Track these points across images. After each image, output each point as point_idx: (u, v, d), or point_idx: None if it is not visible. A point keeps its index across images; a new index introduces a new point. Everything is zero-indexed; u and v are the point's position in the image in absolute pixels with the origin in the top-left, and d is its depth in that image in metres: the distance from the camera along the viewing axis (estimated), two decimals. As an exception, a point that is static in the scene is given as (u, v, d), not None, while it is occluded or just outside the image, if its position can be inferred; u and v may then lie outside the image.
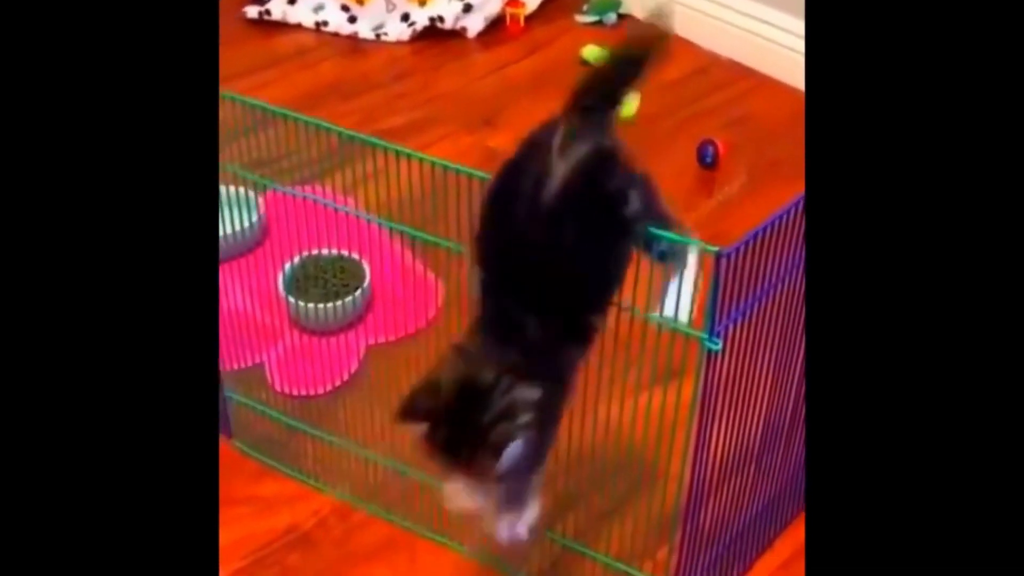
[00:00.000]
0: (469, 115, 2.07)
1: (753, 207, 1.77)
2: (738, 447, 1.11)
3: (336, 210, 1.18)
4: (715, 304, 0.94)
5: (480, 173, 1.03)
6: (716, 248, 0.92)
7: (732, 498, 1.16)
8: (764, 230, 0.95)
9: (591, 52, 2.15)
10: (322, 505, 1.33)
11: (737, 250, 0.93)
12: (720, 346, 0.95)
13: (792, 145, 1.96)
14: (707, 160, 1.90)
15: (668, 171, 1.91)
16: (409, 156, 1.08)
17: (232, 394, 1.38)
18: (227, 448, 1.39)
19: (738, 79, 2.18)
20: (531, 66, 2.25)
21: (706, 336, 0.95)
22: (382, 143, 1.09)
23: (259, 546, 1.27)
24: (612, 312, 1.02)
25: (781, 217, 0.98)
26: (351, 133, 1.11)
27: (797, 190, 1.01)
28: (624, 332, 1.01)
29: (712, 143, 1.90)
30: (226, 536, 1.28)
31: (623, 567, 1.20)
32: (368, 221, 1.18)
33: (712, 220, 1.79)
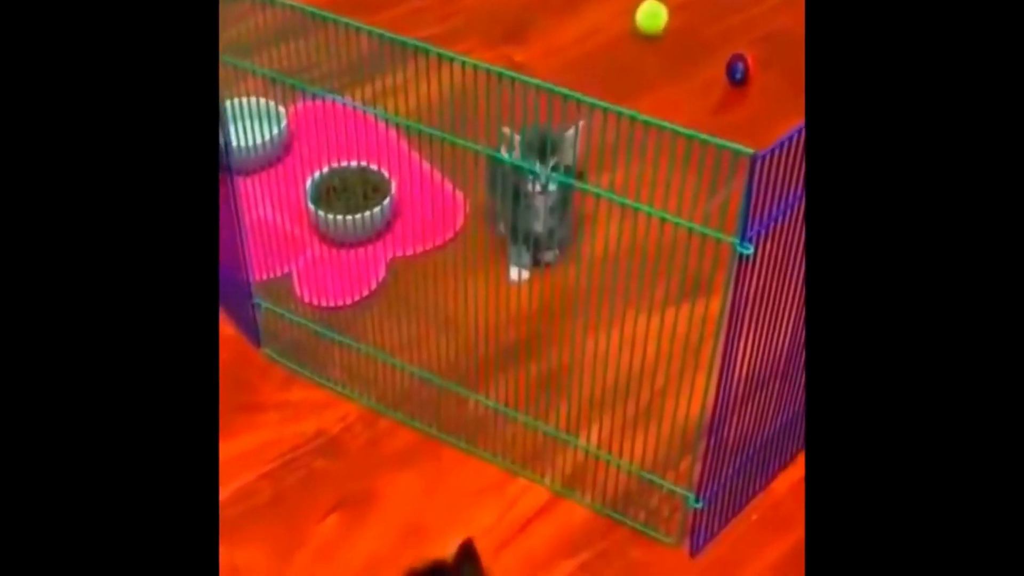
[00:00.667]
0: (493, 29, 2.04)
1: (786, 122, 1.74)
2: (765, 361, 1.11)
3: (364, 113, 1.17)
4: (748, 208, 0.93)
5: (511, 74, 1.02)
6: (751, 150, 0.90)
7: (756, 412, 1.17)
8: (798, 133, 0.94)
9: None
10: (349, 412, 1.34)
11: (771, 152, 0.91)
12: (752, 251, 0.94)
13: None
14: (737, 76, 1.86)
15: (697, 87, 1.89)
16: (440, 56, 1.06)
17: (261, 301, 1.39)
18: (256, 355, 1.41)
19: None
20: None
21: (738, 241, 0.94)
22: (420, 44, 1.07)
23: (287, 450, 1.30)
24: (640, 222, 1.01)
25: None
26: (386, 34, 1.09)
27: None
28: (653, 243, 1.01)
29: (742, 58, 1.86)
30: (254, 440, 1.31)
31: (646, 475, 1.21)
32: (396, 126, 1.17)
33: (745, 129, 1.76)
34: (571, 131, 1.29)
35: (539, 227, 1.45)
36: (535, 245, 1.46)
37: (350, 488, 1.26)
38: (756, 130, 1.77)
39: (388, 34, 1.09)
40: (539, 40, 2.01)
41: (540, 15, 2.07)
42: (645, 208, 1.01)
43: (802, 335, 1.16)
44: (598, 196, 1.06)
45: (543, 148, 1.25)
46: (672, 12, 2.02)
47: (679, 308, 1.09)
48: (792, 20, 2.06)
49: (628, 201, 1.02)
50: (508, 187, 1.40)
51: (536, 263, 1.49)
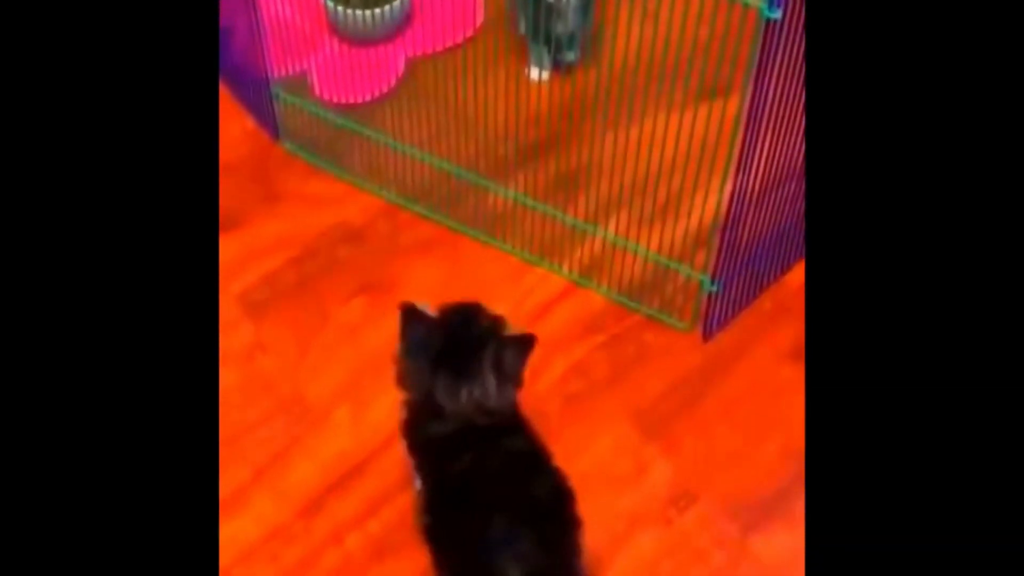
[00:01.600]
0: None
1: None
2: (784, 157, 1.11)
3: None
4: (776, -30, 0.91)
5: None
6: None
7: (773, 205, 1.17)
8: None
9: None
10: (369, 204, 1.36)
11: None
12: (779, 15, 0.93)
13: None
14: None
15: None
16: None
17: (279, 92, 1.38)
18: (276, 149, 1.42)
19: None
20: None
21: (765, 5, 0.93)
22: None
23: (309, 239, 1.32)
24: (662, 20, 0.99)
25: None
26: None
27: None
28: (674, 43, 0.99)
29: None
30: (277, 228, 1.33)
31: (663, 261, 1.23)
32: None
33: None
34: None
35: (561, 28, 1.42)
36: (556, 46, 1.44)
37: (372, 274, 1.29)
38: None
39: None
40: None
41: None
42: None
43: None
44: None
45: None
46: None
47: (697, 109, 1.09)
48: None
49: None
50: None
51: (557, 64, 1.47)
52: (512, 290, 1.28)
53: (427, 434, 0.97)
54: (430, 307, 1.00)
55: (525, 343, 0.97)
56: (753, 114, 1.01)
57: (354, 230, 1.33)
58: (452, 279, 1.29)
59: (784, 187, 1.17)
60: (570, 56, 1.48)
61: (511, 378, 0.97)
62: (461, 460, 0.95)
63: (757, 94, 0.99)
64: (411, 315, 0.98)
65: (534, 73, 1.47)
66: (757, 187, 1.11)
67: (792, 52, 1.00)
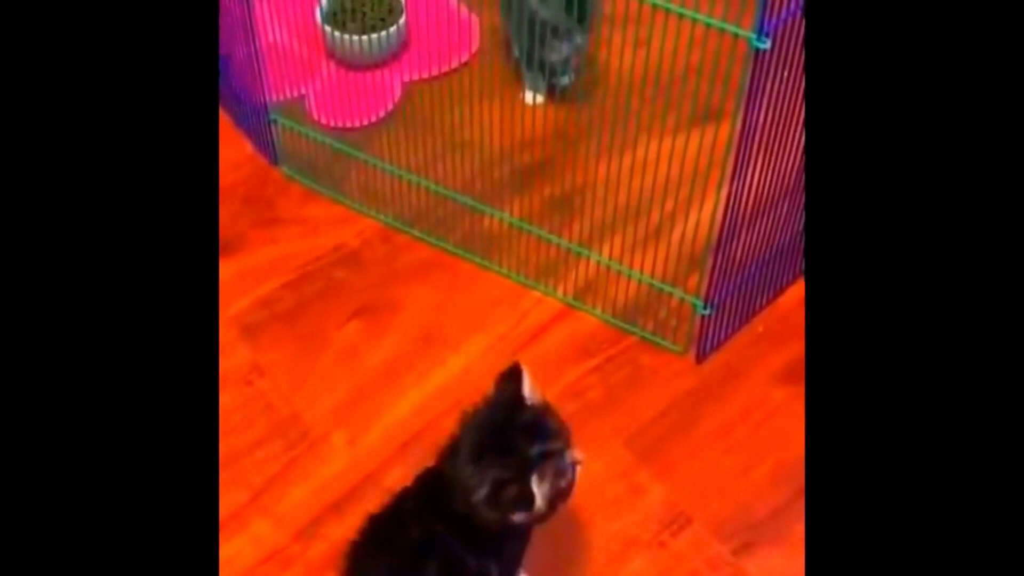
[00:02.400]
0: None
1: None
2: (776, 178, 1.13)
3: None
4: (765, 1, 0.92)
5: None
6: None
7: (766, 227, 1.19)
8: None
9: None
10: (366, 227, 1.37)
11: (793, -57, 0.90)
12: (768, 46, 0.95)
13: None
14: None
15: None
16: None
17: (278, 117, 1.40)
18: (274, 173, 1.43)
19: None
20: None
21: (754, 36, 0.94)
22: None
23: (306, 262, 1.33)
24: (654, 48, 1.01)
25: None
26: None
27: None
28: (666, 70, 1.01)
29: None
30: (274, 252, 1.34)
31: (657, 284, 1.24)
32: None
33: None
34: None
35: (555, 55, 1.44)
36: (550, 71, 1.46)
37: (369, 297, 1.30)
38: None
39: None
40: None
41: None
42: (663, 4, 1.01)
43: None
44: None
45: None
46: None
47: (689, 134, 1.11)
48: None
49: None
50: (524, 14, 1.38)
51: (551, 88, 1.49)
52: (508, 313, 1.29)
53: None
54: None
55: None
56: (744, 139, 1.02)
57: (351, 253, 1.35)
58: (449, 302, 1.30)
59: (776, 210, 1.19)
60: (564, 80, 1.50)
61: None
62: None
63: (748, 120, 1.01)
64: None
65: (528, 97, 1.49)
66: (748, 210, 1.12)
67: (782, 78, 1.02)
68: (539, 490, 0.86)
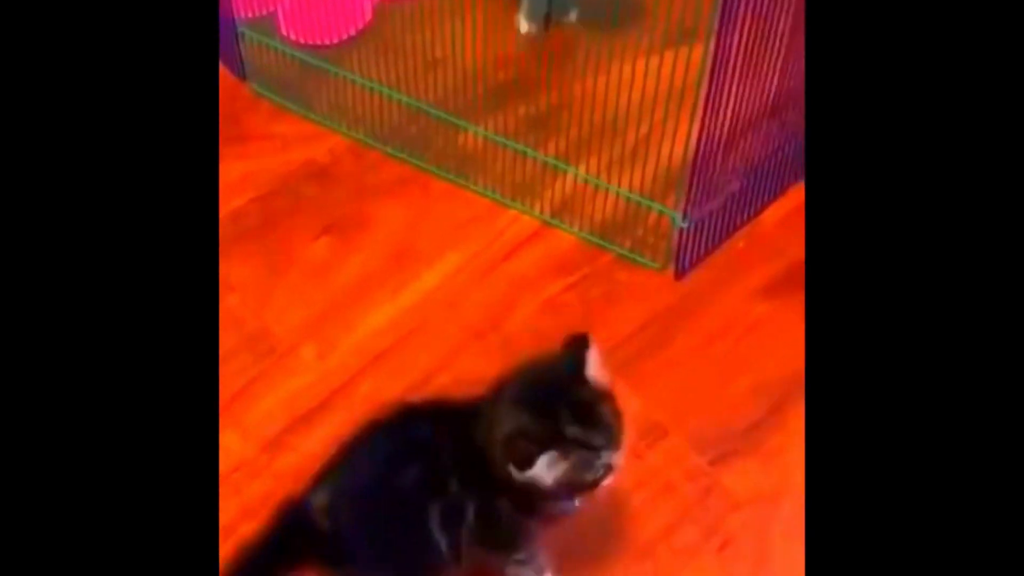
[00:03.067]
0: None
1: None
2: (754, 99, 1.10)
3: None
4: None
5: None
6: None
7: (745, 146, 1.16)
8: None
9: None
10: (337, 144, 1.34)
11: None
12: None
13: None
14: None
15: None
16: None
17: (246, 31, 1.35)
18: (242, 89, 1.39)
19: None
20: None
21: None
22: None
23: (275, 177, 1.29)
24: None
25: None
26: None
27: None
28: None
29: None
30: (243, 168, 1.30)
31: (635, 198, 1.22)
32: None
33: None
34: None
35: None
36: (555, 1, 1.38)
37: (340, 213, 1.27)
38: None
39: None
40: None
41: None
42: None
43: (795, 76, 1.14)
44: None
45: None
46: None
47: (663, 55, 1.07)
48: None
49: None
50: None
51: (548, 20, 1.43)
52: (483, 231, 1.26)
53: None
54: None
55: None
56: (718, 59, 0.99)
57: (321, 169, 1.31)
58: (422, 219, 1.27)
59: (755, 128, 1.16)
60: (572, 16, 1.43)
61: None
62: None
63: (721, 39, 0.98)
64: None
65: (523, 26, 1.43)
66: (726, 130, 1.09)
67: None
68: (548, 468, 0.82)
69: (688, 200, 1.15)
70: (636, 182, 1.21)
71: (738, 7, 0.96)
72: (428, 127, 1.31)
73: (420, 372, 1.13)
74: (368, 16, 1.45)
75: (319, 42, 1.41)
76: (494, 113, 1.30)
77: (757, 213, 1.29)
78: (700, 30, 0.99)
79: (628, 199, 1.23)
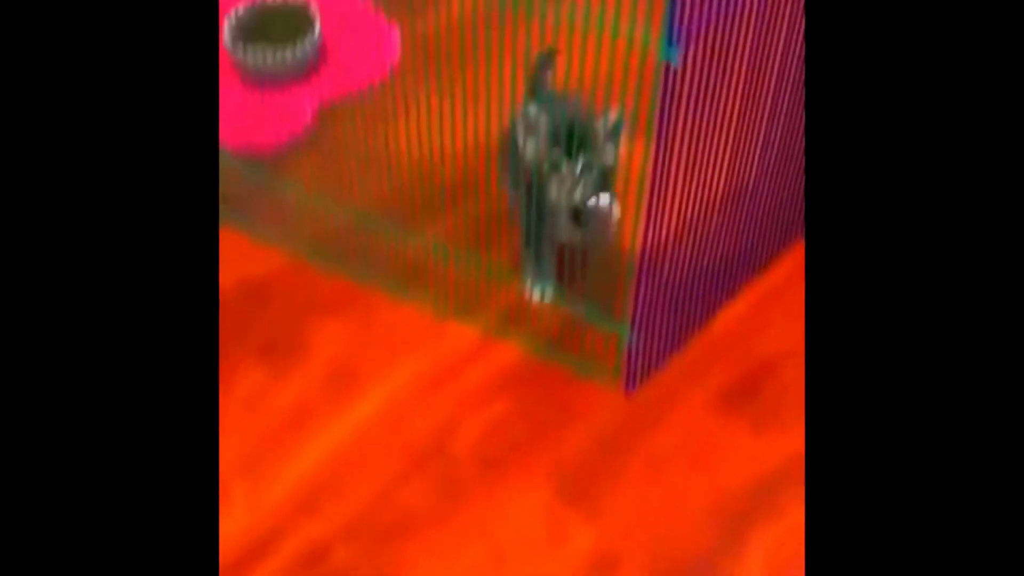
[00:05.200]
0: None
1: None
2: (700, 197, 1.06)
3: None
4: (673, 10, 0.85)
5: None
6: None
7: (692, 249, 1.12)
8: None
9: None
10: (276, 259, 1.29)
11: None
12: (679, 58, 0.87)
13: None
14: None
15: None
16: None
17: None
18: (174, 204, 1.34)
19: None
20: None
21: (663, 46, 0.87)
22: None
23: (210, 298, 1.25)
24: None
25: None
26: None
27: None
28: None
29: None
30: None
31: (581, 314, 1.17)
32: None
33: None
34: (602, 122, 1.06)
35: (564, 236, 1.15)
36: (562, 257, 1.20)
37: (277, 335, 1.21)
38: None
39: None
40: None
41: None
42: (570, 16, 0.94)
43: (743, 171, 1.11)
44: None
45: (571, 139, 1.05)
46: None
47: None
48: None
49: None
50: (530, 185, 1.12)
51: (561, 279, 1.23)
52: (426, 347, 1.21)
53: None
54: None
55: None
56: (659, 158, 0.95)
57: (256, 288, 1.26)
58: (362, 337, 1.22)
59: (701, 229, 1.12)
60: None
61: None
62: None
63: (662, 136, 0.94)
64: None
65: (536, 293, 1.22)
66: (671, 231, 1.05)
67: (698, 91, 0.95)
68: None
69: (635, 314, 1.10)
70: (583, 292, 1.16)
71: (678, 101, 0.92)
72: (369, 237, 1.26)
73: (358, 507, 1.07)
74: (310, 117, 1.42)
75: (257, 147, 1.37)
76: (439, 219, 1.26)
77: (710, 316, 1.24)
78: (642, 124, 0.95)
79: (575, 313, 1.18)
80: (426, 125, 1.14)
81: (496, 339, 1.22)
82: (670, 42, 0.87)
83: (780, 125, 1.13)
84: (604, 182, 1.07)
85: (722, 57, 0.95)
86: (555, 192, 1.09)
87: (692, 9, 0.86)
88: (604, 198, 1.07)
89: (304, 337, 1.21)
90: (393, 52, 1.47)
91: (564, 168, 1.06)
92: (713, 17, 0.90)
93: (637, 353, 1.14)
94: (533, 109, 1.04)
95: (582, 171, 1.06)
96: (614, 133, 1.06)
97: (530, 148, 1.08)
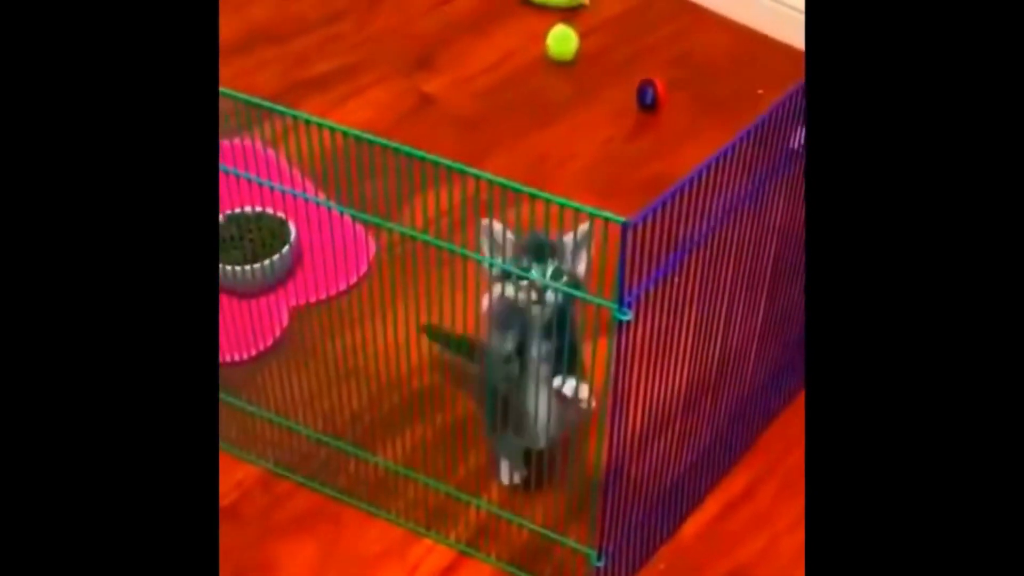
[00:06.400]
0: (403, 58, 2.00)
1: (695, 146, 1.73)
2: (657, 413, 1.09)
3: (262, 153, 1.13)
4: (623, 274, 0.90)
5: (394, 144, 0.98)
6: (622, 219, 0.88)
7: (655, 461, 1.14)
8: (672, 196, 0.91)
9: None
10: (246, 476, 1.30)
11: (643, 219, 0.89)
12: (630, 316, 0.92)
13: (735, 82, 1.91)
14: (647, 101, 1.84)
15: (609, 112, 1.86)
16: (308, 122, 1.03)
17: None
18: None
19: (680, 14, 2.11)
20: (472, 3, 2.16)
21: (615, 307, 0.92)
22: (286, 110, 1.05)
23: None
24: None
25: (692, 180, 0.94)
26: (250, 99, 1.06)
27: (738, 127, 0.99)
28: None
29: (651, 84, 1.84)
30: (146, 511, 1.26)
31: (546, 533, 1.18)
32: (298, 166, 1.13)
33: (651, 159, 1.75)
34: (572, 236, 1.08)
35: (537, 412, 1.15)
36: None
37: (246, 558, 1.21)
38: (666, 154, 1.76)
39: (245, 97, 1.05)
40: (449, 68, 1.97)
41: (450, 42, 2.04)
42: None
43: (698, 379, 1.14)
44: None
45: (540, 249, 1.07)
46: (583, 36, 1.99)
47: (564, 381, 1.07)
48: (701, 42, 2.05)
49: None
50: (496, 371, 1.15)
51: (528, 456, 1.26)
52: (397, 565, 1.21)
53: None
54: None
55: None
56: (616, 405, 0.99)
57: (229, 506, 1.27)
58: (331, 556, 1.22)
59: (660, 446, 1.15)
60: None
61: None
62: None
63: (617, 388, 0.97)
64: None
65: (504, 475, 1.27)
66: (631, 451, 1.08)
67: (649, 344, 0.99)
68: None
69: (601, 532, 1.12)
70: (550, 506, 1.18)
71: (630, 354, 0.96)
72: (335, 454, 1.28)
73: None
74: (283, 325, 1.45)
75: (230, 358, 1.39)
76: (408, 430, 1.27)
77: (678, 526, 1.26)
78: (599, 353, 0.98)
79: (537, 531, 1.19)
80: (392, 333, 1.16)
81: (467, 555, 1.22)
82: (622, 304, 0.91)
83: (734, 341, 1.18)
84: (573, 363, 1.09)
85: (673, 307, 1.00)
86: (523, 300, 1.09)
87: (639, 275, 0.91)
88: (571, 384, 1.10)
89: (272, 558, 1.21)
90: (366, 257, 1.51)
91: (535, 273, 1.06)
92: (661, 273, 0.95)
93: (606, 571, 1.15)
94: (496, 223, 1.04)
95: (552, 276, 1.06)
96: (583, 242, 1.08)
97: (496, 339, 1.13)
